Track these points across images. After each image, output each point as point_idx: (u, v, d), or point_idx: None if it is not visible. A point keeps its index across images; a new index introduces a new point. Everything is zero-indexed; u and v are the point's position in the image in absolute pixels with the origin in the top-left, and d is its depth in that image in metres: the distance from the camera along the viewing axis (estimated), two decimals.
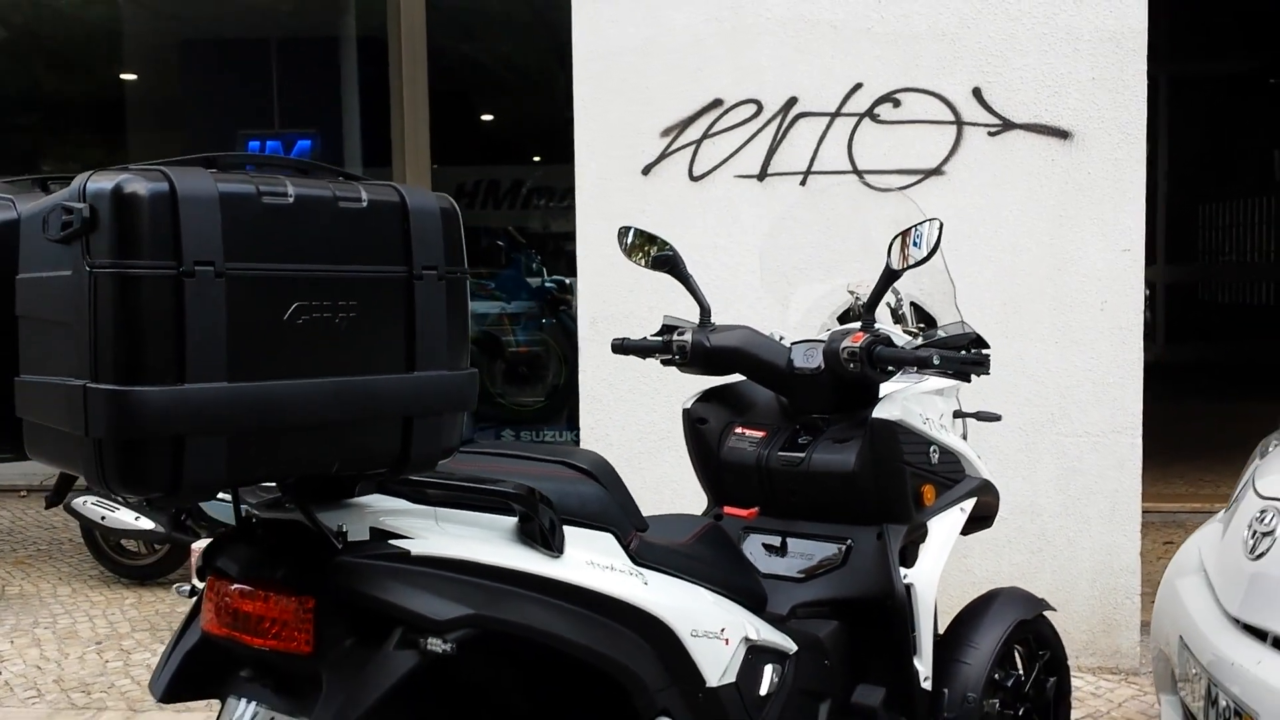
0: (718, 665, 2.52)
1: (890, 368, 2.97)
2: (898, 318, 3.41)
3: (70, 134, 9.90)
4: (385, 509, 2.14)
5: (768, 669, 2.73)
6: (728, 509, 3.22)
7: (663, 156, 4.63)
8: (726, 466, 3.20)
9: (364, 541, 2.07)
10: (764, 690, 2.71)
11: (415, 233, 1.88)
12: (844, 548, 3.07)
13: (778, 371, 3.14)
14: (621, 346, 3.37)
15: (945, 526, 3.11)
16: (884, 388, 3.11)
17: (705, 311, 3.28)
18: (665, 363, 3.28)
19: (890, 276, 2.98)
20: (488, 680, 2.30)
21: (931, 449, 3.06)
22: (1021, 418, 4.54)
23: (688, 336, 3.21)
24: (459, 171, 8.36)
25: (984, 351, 3.09)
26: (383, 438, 1.88)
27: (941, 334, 3.23)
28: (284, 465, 1.81)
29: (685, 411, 3.27)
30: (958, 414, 3.31)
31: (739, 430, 3.23)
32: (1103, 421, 4.50)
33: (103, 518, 5.36)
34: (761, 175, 4.59)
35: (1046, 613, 3.39)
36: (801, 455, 3.09)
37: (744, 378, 3.26)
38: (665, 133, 4.62)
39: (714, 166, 4.61)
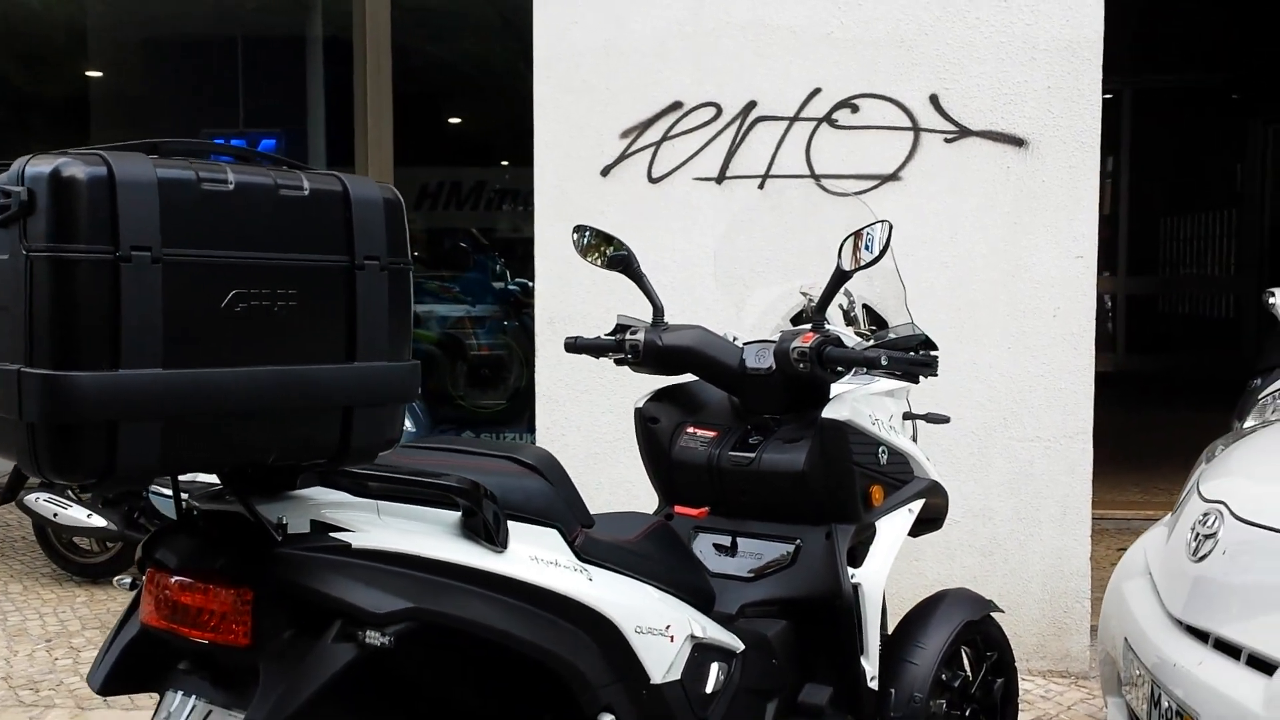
0: (662, 662, 2.53)
1: (840, 368, 2.99)
2: (850, 319, 3.43)
3: (35, 131, 9.81)
4: (327, 501, 2.14)
5: (714, 667, 2.74)
6: (678, 508, 3.23)
7: (622, 158, 4.64)
8: (677, 466, 3.21)
9: (305, 534, 2.07)
10: (710, 688, 2.72)
11: (358, 222, 1.88)
12: (793, 548, 3.08)
13: (729, 371, 3.16)
14: (574, 345, 3.38)
15: (893, 527, 3.13)
16: (834, 388, 3.13)
17: (658, 311, 3.29)
18: (618, 362, 3.29)
19: (841, 278, 3.00)
20: (431, 675, 2.30)
21: (880, 450, 3.08)
22: (974, 422, 4.57)
23: (640, 336, 3.22)
24: (423, 173, 8.35)
25: (932, 353, 3.12)
26: (322, 428, 1.88)
27: (891, 335, 3.25)
28: (220, 453, 1.81)
29: (637, 410, 3.28)
30: (907, 415, 3.33)
31: (690, 430, 3.24)
32: (1054, 426, 4.54)
33: (55, 515, 5.31)
34: (720, 178, 4.61)
35: (994, 614, 3.42)
36: (751, 455, 3.10)
37: (696, 378, 3.28)
38: (625, 134, 4.63)
39: (673, 168, 4.63)
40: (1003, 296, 4.53)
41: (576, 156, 4.65)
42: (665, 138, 4.62)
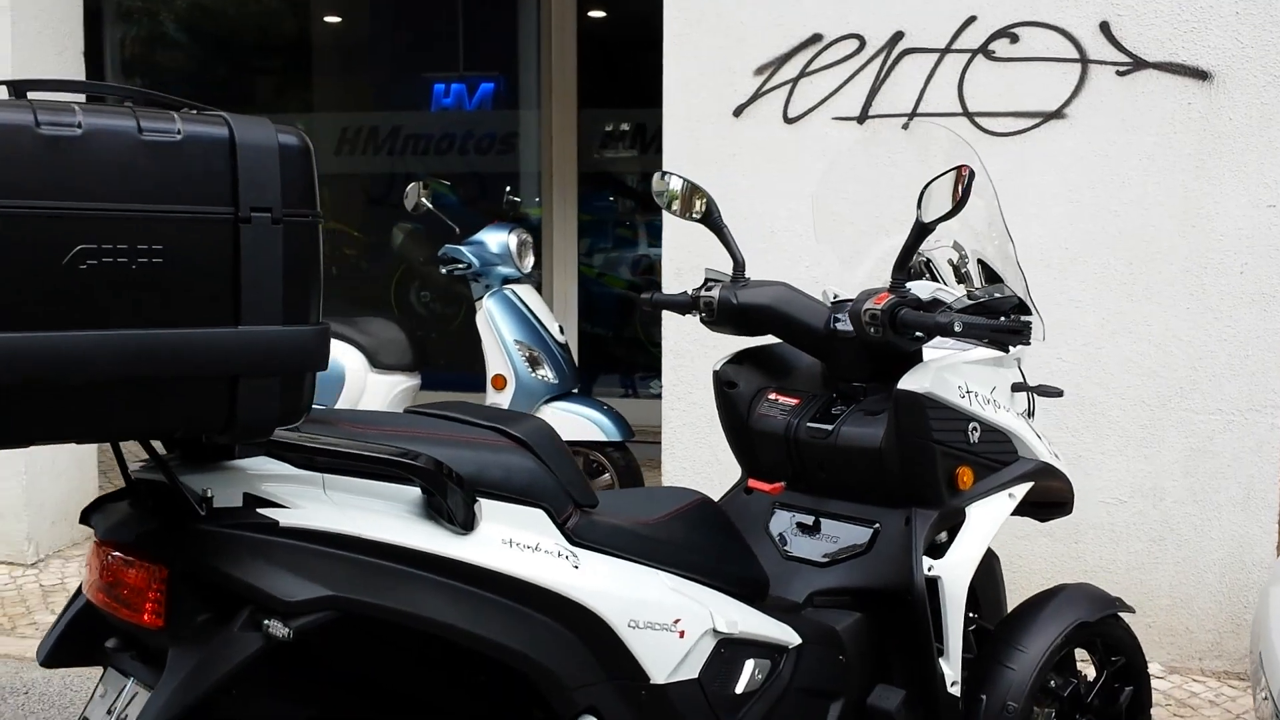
0: (666, 660, 2.27)
1: (919, 334, 2.64)
2: (961, 276, 3.06)
3: (259, 79, 10.05)
4: (266, 474, 1.96)
5: (748, 665, 2.47)
6: (752, 482, 2.97)
7: (756, 96, 4.31)
8: (755, 435, 2.94)
9: (234, 508, 1.90)
10: (741, 688, 2.45)
11: (244, 170, 1.67)
12: (872, 532, 2.77)
13: (813, 334, 2.87)
14: (652, 302, 3.15)
15: (987, 514, 2.77)
16: (927, 354, 2.79)
17: (739, 265, 3.01)
18: (702, 320, 3.03)
19: (921, 231, 2.66)
20: (379, 666, 2.12)
21: (971, 426, 2.72)
22: (1145, 391, 4.08)
23: (715, 292, 2.95)
24: (609, 114, 8.11)
25: (1023, 319, 2.72)
26: (199, 399, 1.69)
27: (994, 294, 2.86)
28: (65, 427, 1.64)
29: (714, 373, 3.02)
30: (1018, 387, 2.92)
31: (771, 396, 2.97)
32: (1239, 398, 4.00)
33: None
34: (862, 117, 4.23)
35: (1123, 614, 3.00)
36: (829, 428, 2.80)
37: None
38: (759, 71, 4.30)
39: (811, 107, 4.27)
40: (1181, 249, 4.01)
41: (708, 96, 4.35)
42: (803, 74, 4.26)
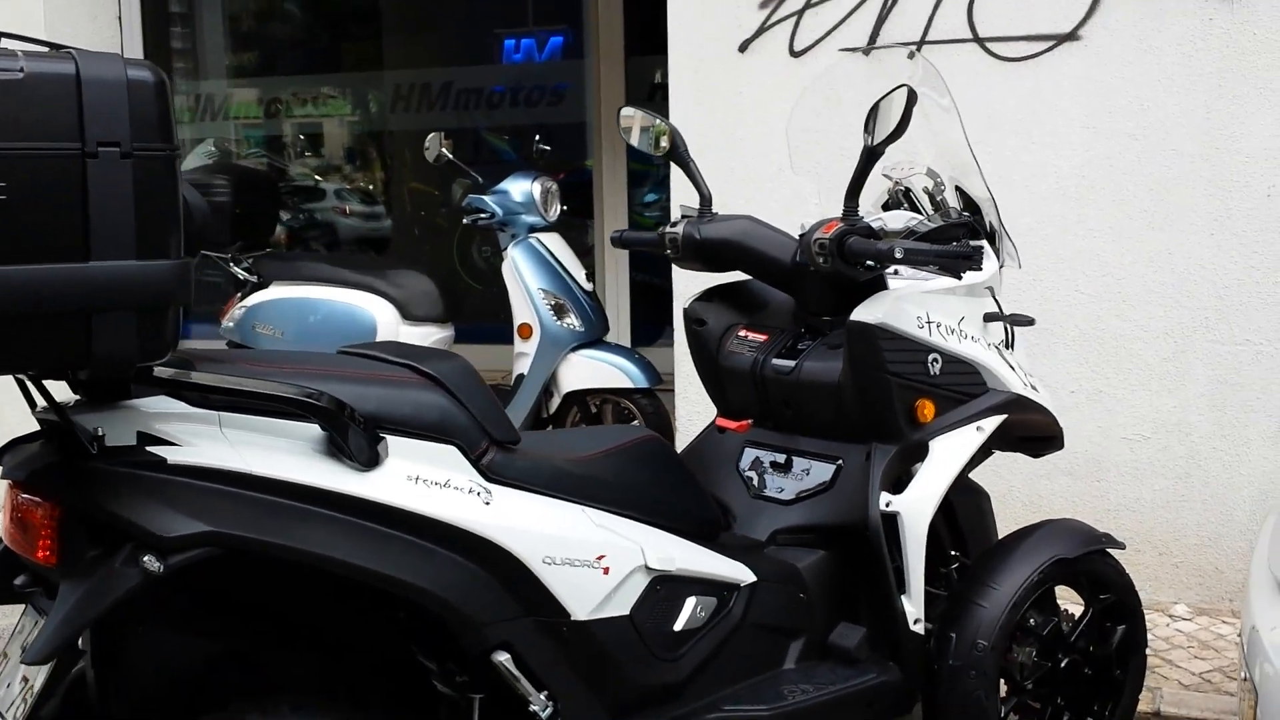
0: (588, 597, 2.24)
1: (869, 263, 2.57)
2: (937, 205, 2.97)
3: (326, 37, 10.09)
4: (161, 413, 1.96)
5: (689, 602, 2.43)
6: (720, 420, 2.92)
7: (761, 31, 4.21)
8: (725, 373, 2.90)
9: (126, 447, 1.91)
10: (681, 625, 2.41)
11: (90, 105, 1.66)
12: (835, 468, 2.72)
13: (780, 267, 2.83)
14: (621, 240, 3.15)
15: (952, 448, 2.70)
16: (892, 284, 2.71)
17: (705, 201, 2.97)
18: (669, 257, 3.01)
19: (869, 157, 2.59)
20: (294, 603, 2.12)
21: (930, 358, 2.65)
22: (1168, 322, 3.93)
23: (679, 228, 2.91)
24: (654, 62, 8.00)
25: (972, 244, 2.62)
26: (52, 335, 1.69)
27: (944, 220, 2.77)
28: None
29: (684, 311, 2.99)
30: (990, 317, 2.83)
31: (741, 333, 2.93)
32: (1267, 327, 3.83)
33: None
34: (869, 47, 4.11)
35: (1113, 550, 2.91)
36: (793, 363, 2.75)
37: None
38: (765, 3, 4.19)
39: (817, 39, 4.16)
40: (1204, 174, 3.84)
41: (712, 32, 4.26)
42: (808, 4, 4.15)
